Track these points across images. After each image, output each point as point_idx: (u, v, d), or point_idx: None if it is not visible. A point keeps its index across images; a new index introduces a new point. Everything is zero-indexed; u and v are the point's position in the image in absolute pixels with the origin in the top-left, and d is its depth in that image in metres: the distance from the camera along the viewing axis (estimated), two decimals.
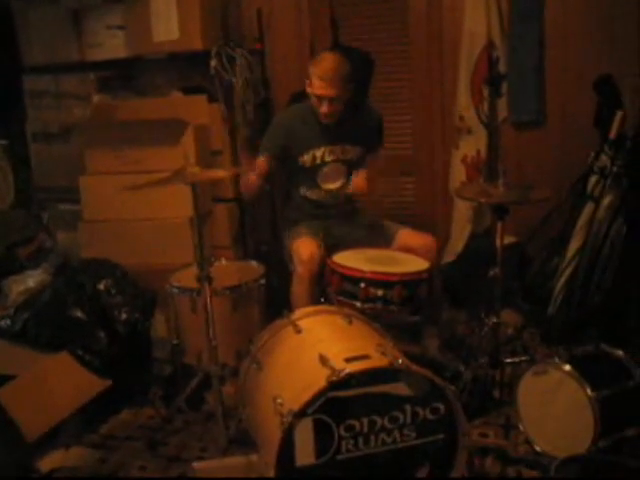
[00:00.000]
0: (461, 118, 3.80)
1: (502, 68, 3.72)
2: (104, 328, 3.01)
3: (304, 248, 2.95)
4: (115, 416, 2.96)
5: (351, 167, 3.17)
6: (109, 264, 3.30)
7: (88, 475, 2.57)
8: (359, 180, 3.05)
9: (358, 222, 3.27)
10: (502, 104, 3.79)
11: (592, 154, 3.37)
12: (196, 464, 2.42)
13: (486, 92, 3.75)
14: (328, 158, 3.14)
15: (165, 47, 3.81)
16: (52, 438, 2.66)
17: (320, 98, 2.98)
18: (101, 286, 3.15)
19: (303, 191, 3.22)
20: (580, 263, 3.29)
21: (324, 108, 2.99)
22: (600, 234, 3.25)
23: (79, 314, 3.03)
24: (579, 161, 3.48)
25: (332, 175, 3.18)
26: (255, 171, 3.09)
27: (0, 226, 3.88)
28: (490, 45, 3.68)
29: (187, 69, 4.02)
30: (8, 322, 3.06)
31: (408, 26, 3.93)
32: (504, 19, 3.68)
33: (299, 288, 2.92)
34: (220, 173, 2.60)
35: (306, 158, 3.13)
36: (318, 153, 3.13)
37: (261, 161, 3.12)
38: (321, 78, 2.95)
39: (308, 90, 3.04)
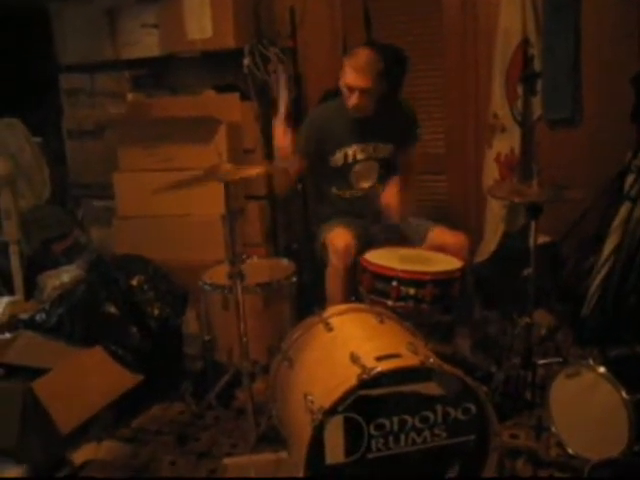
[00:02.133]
0: (495, 116, 3.76)
1: (537, 66, 3.68)
2: (137, 323, 3.04)
3: (339, 239, 2.94)
4: (146, 411, 2.99)
5: (384, 165, 3.16)
6: (142, 260, 3.33)
7: (119, 468, 2.60)
8: (389, 196, 3.04)
9: (390, 221, 3.25)
10: (537, 102, 3.74)
11: (630, 153, 3.31)
12: (226, 460, 2.44)
13: (521, 90, 3.71)
14: (360, 156, 3.14)
15: (198, 45, 3.84)
16: (84, 431, 2.69)
17: (350, 89, 2.97)
18: (134, 282, 3.18)
19: (335, 190, 3.22)
20: (616, 263, 3.24)
21: (353, 99, 2.97)
22: (637, 234, 3.20)
23: (112, 309, 3.06)
24: (614, 160, 3.43)
25: (365, 173, 3.17)
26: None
27: (36, 222, 3.94)
28: (525, 42, 3.64)
29: (220, 67, 4.04)
30: (43, 316, 3.11)
31: (442, 23, 3.91)
32: (539, 16, 3.64)
33: (334, 280, 2.91)
34: (254, 170, 2.59)
35: (338, 156, 3.12)
36: (350, 151, 3.12)
37: (296, 158, 3.13)
38: (354, 68, 2.94)
39: (340, 83, 3.03)
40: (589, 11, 3.57)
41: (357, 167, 3.15)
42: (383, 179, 3.21)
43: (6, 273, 3.74)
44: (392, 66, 3.24)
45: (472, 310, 3.34)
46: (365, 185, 3.20)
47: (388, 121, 3.14)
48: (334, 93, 3.23)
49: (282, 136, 3.05)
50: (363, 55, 2.97)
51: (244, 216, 3.82)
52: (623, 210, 3.27)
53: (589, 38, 3.60)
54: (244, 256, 2.58)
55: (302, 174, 3.23)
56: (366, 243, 2.99)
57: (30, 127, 3.69)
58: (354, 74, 2.94)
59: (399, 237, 3.09)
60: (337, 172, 3.16)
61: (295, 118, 3.75)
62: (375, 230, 3.16)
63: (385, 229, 3.17)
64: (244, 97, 3.82)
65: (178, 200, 3.53)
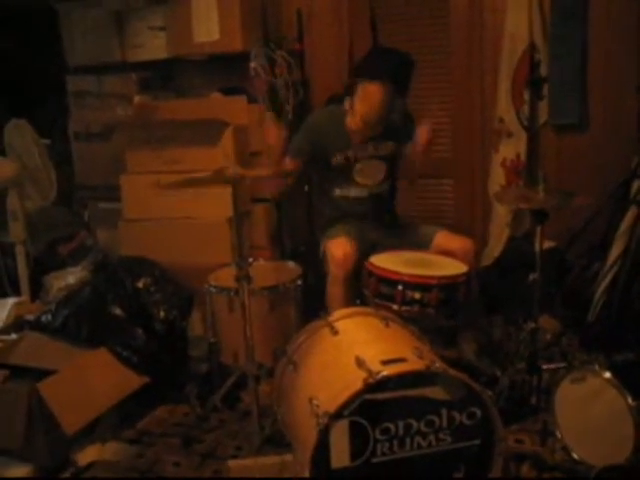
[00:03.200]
0: (501, 121, 3.77)
1: (543, 71, 3.68)
2: (142, 325, 3.04)
3: (338, 248, 2.94)
4: (151, 412, 2.99)
5: (387, 162, 3.18)
6: (148, 262, 3.34)
7: (124, 469, 2.61)
8: (423, 133, 3.01)
9: (395, 224, 3.25)
10: (543, 107, 3.75)
11: (636, 158, 3.31)
12: (231, 462, 2.44)
13: (527, 95, 3.71)
14: (361, 155, 3.14)
15: (205, 48, 3.86)
16: (89, 432, 2.71)
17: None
18: (140, 284, 3.19)
19: (338, 192, 3.22)
20: (621, 269, 3.23)
21: (368, 132, 3.05)
22: None
23: (118, 311, 3.06)
24: (621, 165, 3.43)
25: (368, 171, 3.18)
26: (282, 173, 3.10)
27: (42, 223, 3.95)
28: (532, 47, 3.65)
29: (226, 70, 4.06)
30: (49, 317, 3.11)
31: (449, 27, 3.91)
32: (546, 21, 3.64)
33: (334, 289, 2.92)
34: (262, 172, 2.60)
35: (338, 158, 3.13)
36: (350, 153, 3.13)
37: (288, 162, 3.14)
38: (366, 116, 2.98)
39: (349, 118, 3.06)
40: (597, 17, 3.57)
41: (359, 165, 3.16)
42: (389, 176, 3.23)
43: (12, 274, 3.76)
44: (399, 70, 3.24)
45: (477, 314, 3.34)
46: (368, 182, 3.20)
47: (389, 121, 3.12)
48: (339, 98, 3.24)
49: (274, 135, 3.08)
50: (375, 96, 2.95)
51: (250, 219, 3.83)
52: (629, 216, 3.27)
53: (596, 44, 3.60)
54: (250, 259, 2.58)
55: (298, 175, 3.23)
56: (370, 247, 2.99)
57: (37, 129, 3.70)
58: (370, 116, 2.97)
59: (404, 241, 3.09)
60: (339, 172, 3.17)
61: (301, 122, 3.76)
62: (380, 234, 3.16)
63: (390, 233, 3.17)
64: (251, 100, 3.82)
65: (184, 203, 3.55)
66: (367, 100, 2.97)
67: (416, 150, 3.04)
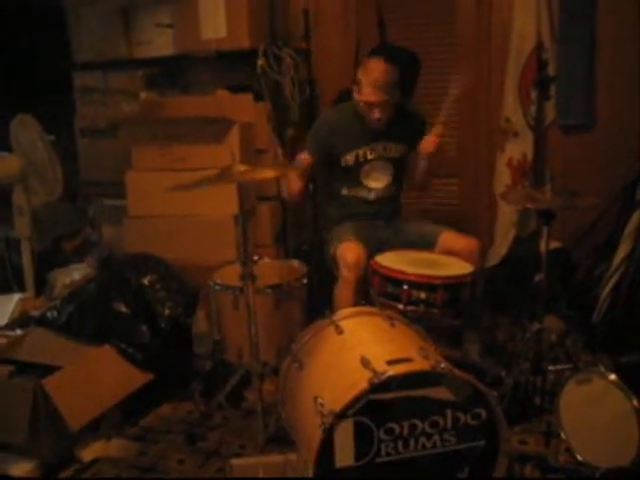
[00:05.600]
0: (507, 120, 3.75)
1: (551, 70, 3.67)
2: (147, 322, 3.05)
3: (350, 252, 2.91)
4: (155, 410, 3.00)
5: (395, 165, 3.17)
6: (153, 259, 3.34)
7: (127, 466, 2.61)
8: (429, 140, 3.03)
9: (401, 224, 3.25)
10: (550, 107, 3.74)
11: None
12: (234, 460, 2.44)
13: (534, 95, 3.70)
14: (370, 156, 3.14)
15: (212, 45, 3.84)
16: (94, 429, 2.71)
17: (371, 105, 2.99)
18: (145, 281, 3.19)
19: (345, 192, 3.22)
20: (627, 270, 3.23)
21: (376, 114, 3.01)
22: None
23: (123, 308, 3.07)
24: (628, 166, 3.42)
25: (375, 173, 3.18)
26: (296, 171, 3.11)
27: (47, 219, 3.96)
28: (539, 47, 3.63)
29: (233, 68, 4.04)
30: (54, 314, 3.12)
31: (456, 26, 3.90)
32: (554, 20, 3.63)
33: (344, 292, 2.89)
34: (269, 173, 2.60)
35: (349, 157, 3.14)
36: (361, 152, 3.13)
37: (305, 157, 3.15)
38: (371, 85, 2.96)
39: (356, 97, 3.05)
40: (605, 16, 3.55)
41: (367, 167, 3.16)
42: (397, 180, 3.22)
43: (17, 270, 3.77)
44: (406, 69, 3.24)
45: (482, 315, 3.33)
46: (376, 185, 3.19)
47: (400, 123, 3.14)
48: (347, 95, 3.24)
49: (296, 186, 3.12)
50: (378, 69, 2.98)
51: (255, 217, 3.82)
52: (635, 217, 3.26)
53: (604, 44, 3.58)
54: (255, 257, 2.58)
55: (311, 174, 3.24)
56: (376, 247, 2.99)
57: (43, 125, 3.70)
58: (373, 91, 2.97)
59: (410, 240, 3.08)
60: (348, 172, 3.17)
61: (307, 120, 3.77)
62: (386, 234, 3.16)
63: (396, 233, 3.17)
64: (257, 98, 3.82)
65: (189, 200, 3.53)
66: (369, 73, 2.99)
67: (419, 156, 3.08)
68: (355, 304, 2.85)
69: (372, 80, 2.96)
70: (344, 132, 3.13)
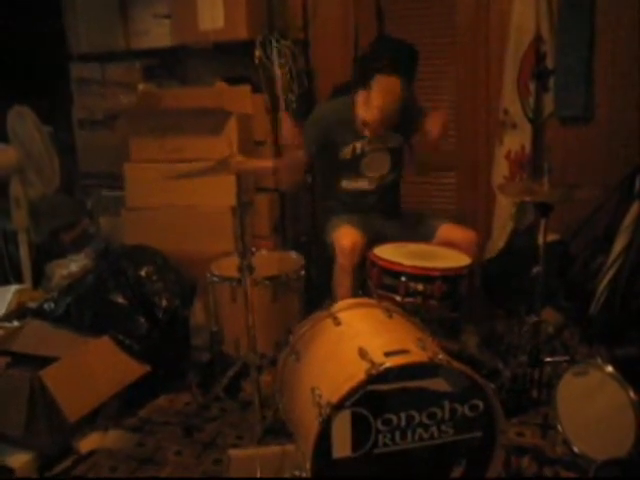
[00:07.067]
0: (506, 112, 3.74)
1: (550, 62, 3.66)
2: (144, 314, 3.04)
3: (346, 238, 2.93)
4: (153, 401, 3.00)
5: (393, 154, 3.17)
6: (151, 251, 3.34)
7: (125, 457, 2.61)
8: (434, 123, 3.03)
9: (399, 216, 3.25)
10: (548, 99, 3.72)
11: None
12: (232, 451, 2.44)
13: (532, 87, 3.69)
14: (368, 148, 3.14)
15: (210, 36, 3.83)
16: (91, 420, 2.72)
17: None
18: (143, 272, 3.18)
19: (345, 184, 3.22)
20: (625, 263, 3.22)
21: (372, 130, 3.04)
22: None
23: (120, 299, 3.07)
24: (626, 158, 3.42)
25: (375, 164, 3.17)
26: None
27: (45, 211, 3.95)
28: (538, 39, 3.62)
29: (231, 59, 4.04)
30: (52, 305, 3.12)
31: (455, 18, 3.88)
32: (553, 12, 3.61)
33: (341, 278, 2.91)
34: (266, 163, 2.59)
35: (346, 151, 3.13)
36: (358, 144, 3.13)
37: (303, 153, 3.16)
38: (382, 111, 2.97)
39: (361, 114, 3.06)
40: (603, 8, 3.54)
41: (366, 159, 3.16)
42: (396, 169, 3.21)
43: (15, 261, 3.76)
44: (404, 61, 3.23)
45: (479, 307, 3.34)
46: (375, 174, 3.19)
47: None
48: (343, 89, 3.23)
49: (291, 130, 3.08)
50: (394, 90, 2.95)
51: (253, 208, 3.82)
52: (634, 209, 3.26)
53: (603, 36, 3.57)
54: (253, 249, 2.58)
55: (308, 167, 3.24)
56: (374, 238, 2.99)
57: (40, 116, 3.69)
58: (381, 116, 2.97)
59: (408, 233, 3.08)
60: (346, 165, 3.17)
61: (306, 112, 3.75)
62: (384, 225, 3.16)
63: (394, 224, 3.17)
64: (255, 89, 3.81)
65: (187, 191, 3.54)
66: (386, 93, 2.95)
67: (428, 138, 3.05)
68: (353, 292, 2.86)
69: (384, 105, 2.95)
70: (339, 127, 3.12)
